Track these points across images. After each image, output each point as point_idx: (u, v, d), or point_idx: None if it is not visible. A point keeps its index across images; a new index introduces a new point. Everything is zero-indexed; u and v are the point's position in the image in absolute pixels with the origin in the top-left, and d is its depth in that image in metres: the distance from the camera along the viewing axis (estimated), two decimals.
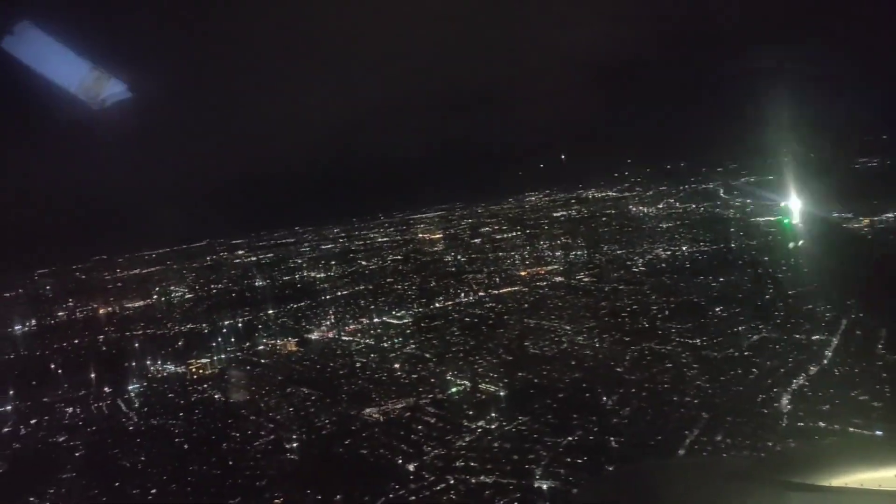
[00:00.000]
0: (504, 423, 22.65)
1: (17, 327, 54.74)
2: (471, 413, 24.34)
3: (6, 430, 32.04)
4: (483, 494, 17.74)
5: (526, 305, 43.47)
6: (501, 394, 26.01)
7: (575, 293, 44.58)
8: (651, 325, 32.44)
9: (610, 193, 76.17)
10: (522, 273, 56.44)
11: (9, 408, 36.26)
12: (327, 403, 28.66)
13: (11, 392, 38.19)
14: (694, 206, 66.41)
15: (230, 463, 23.54)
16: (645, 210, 69.90)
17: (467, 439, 21.85)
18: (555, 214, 74.99)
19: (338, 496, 19.13)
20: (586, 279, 49.08)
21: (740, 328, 29.88)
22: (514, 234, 70.28)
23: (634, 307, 37.05)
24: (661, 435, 19.82)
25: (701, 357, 26.58)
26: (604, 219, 68.63)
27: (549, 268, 56.15)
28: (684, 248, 54.53)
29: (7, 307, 57.68)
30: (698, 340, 28.59)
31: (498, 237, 70.94)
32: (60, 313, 58.92)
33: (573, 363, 28.43)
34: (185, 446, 26.13)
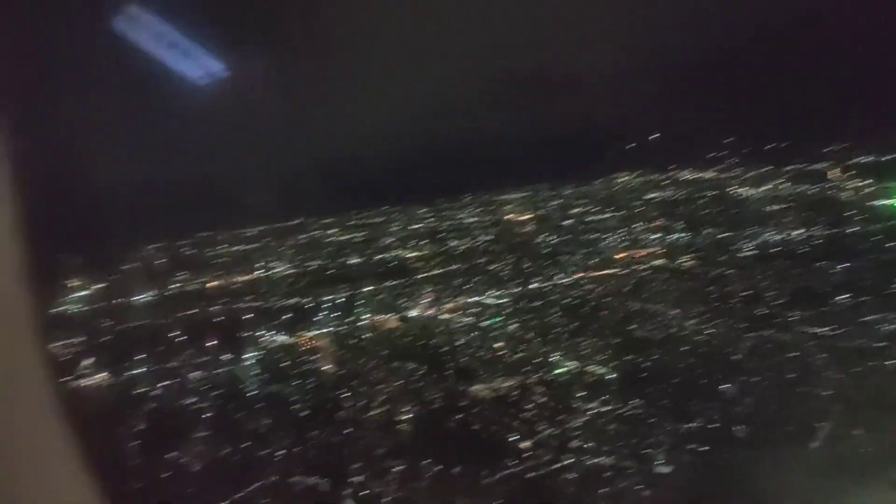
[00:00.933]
0: (618, 407, 22.38)
1: (136, 298, 58.50)
2: (581, 395, 24.18)
3: (140, 391, 34.81)
4: (602, 476, 17.66)
5: (627, 288, 42.49)
6: (611, 377, 25.66)
7: (679, 277, 43.04)
8: (768, 312, 30.91)
9: (707, 175, 72.49)
10: (619, 255, 54.93)
11: (140, 371, 39.43)
12: (434, 379, 29.32)
13: (140, 357, 41.51)
14: (803, 187, 62.09)
15: (346, 431, 24.59)
16: (748, 192, 66.06)
17: (581, 420, 21.76)
18: (647, 196, 72.27)
19: (455, 469, 19.60)
20: (689, 262, 47.18)
21: (869, 317, 27.91)
22: (606, 215, 68.29)
23: (747, 293, 35.40)
24: (792, 425, 18.94)
25: (828, 347, 25.08)
26: (702, 201, 65.30)
27: (647, 251, 54.35)
28: (796, 233, 51.20)
29: (125, 280, 62.15)
30: (824, 329, 26.97)
31: (588, 219, 69.14)
32: (174, 286, 62.64)
33: (685, 348, 27.59)
34: (302, 413, 27.45)
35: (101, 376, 38.88)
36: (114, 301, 56.25)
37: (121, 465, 24.77)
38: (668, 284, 41.18)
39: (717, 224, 55.94)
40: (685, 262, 47.79)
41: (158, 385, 35.60)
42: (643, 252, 53.70)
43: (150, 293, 59.06)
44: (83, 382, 37.58)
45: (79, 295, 56.97)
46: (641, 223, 61.27)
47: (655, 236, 56.72)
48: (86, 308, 54.59)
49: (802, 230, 50.24)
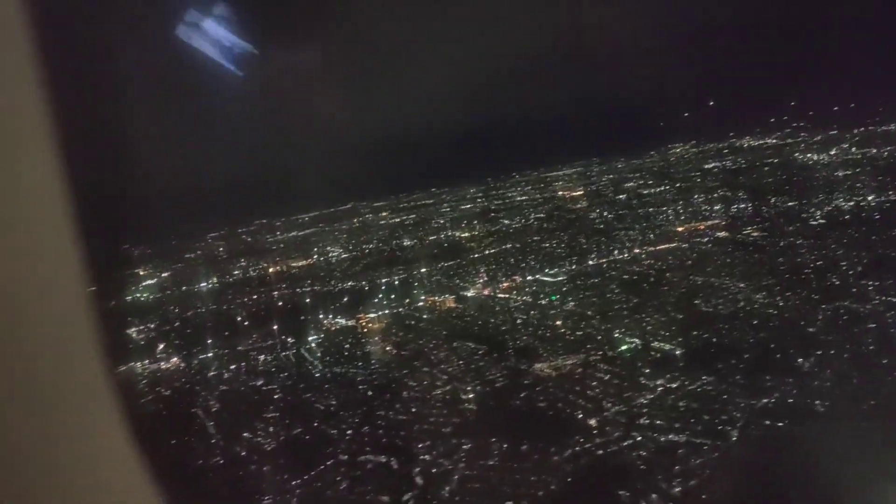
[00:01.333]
0: (687, 383, 21.92)
1: (202, 284, 60.63)
2: (647, 371, 23.81)
3: (212, 373, 36.26)
4: (676, 453, 17.39)
5: (689, 262, 41.45)
6: (678, 352, 25.13)
7: (744, 249, 41.68)
8: (843, 283, 29.57)
9: (769, 141, 69.38)
10: (679, 228, 53.54)
11: (210, 355, 41.05)
12: (495, 358, 29.39)
13: (209, 341, 43.18)
14: (875, 150, 58.81)
15: (413, 410, 24.98)
16: (814, 157, 62.98)
17: (649, 397, 21.45)
18: (706, 166, 69.85)
19: (523, 446, 19.68)
20: (755, 234, 45.55)
21: None
22: (662, 188, 66.54)
23: (819, 263, 33.94)
24: (875, 399, 18.15)
25: None
26: (766, 168, 62.77)
27: (709, 223, 52.78)
28: (870, 198, 48.67)
29: (190, 267, 64.50)
30: None
31: (644, 192, 67.52)
32: (236, 272, 64.51)
33: (755, 322, 26.73)
34: (369, 393, 28.04)
35: (174, 360, 40.76)
36: (181, 288, 58.59)
37: (195, 448, 25.95)
38: (733, 257, 39.90)
39: (782, 192, 53.69)
40: (750, 233, 46.13)
41: (230, 367, 37.07)
42: (704, 224, 52.19)
43: (214, 280, 61.17)
44: (160, 365, 39.48)
45: (148, 283, 59.54)
46: (701, 195, 59.48)
47: (717, 207, 54.98)
48: (155, 296, 57.06)
49: (875, 195, 47.69)
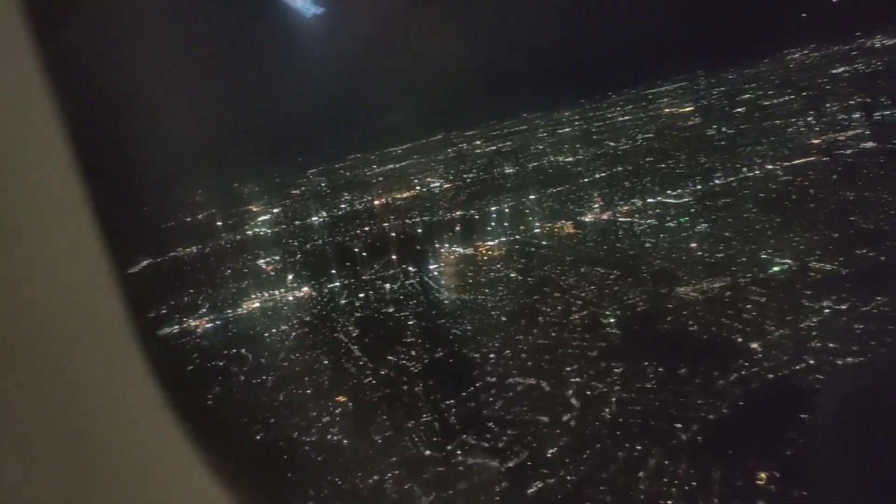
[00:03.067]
0: (858, 303, 20.33)
1: (313, 218, 62.88)
2: (808, 293, 22.30)
3: (344, 301, 37.87)
4: (858, 375, 16.28)
5: (834, 177, 38.03)
6: (843, 272, 23.28)
7: None
8: None
9: None
10: (815, 140, 49.05)
11: (337, 284, 42.84)
12: (630, 282, 28.61)
13: (334, 271, 44.99)
14: None
15: (553, 334, 24.95)
16: None
17: (815, 320, 20.12)
18: (834, 72, 62.84)
19: (680, 370, 19.18)
20: None
21: None
22: (786, 98, 60.86)
23: None
24: None
25: None
26: None
27: (850, 133, 47.89)
28: None
29: (298, 202, 66.91)
30: None
31: (766, 104, 62.07)
32: (343, 205, 66.15)
33: None
34: (503, 319, 28.26)
35: (306, 290, 42.94)
36: (295, 223, 61.19)
37: (346, 369, 27.37)
38: (886, 169, 36.15)
39: None
40: None
41: (358, 296, 38.61)
42: (845, 135, 47.44)
43: (324, 214, 63.28)
44: (295, 294, 41.79)
45: (263, 219, 62.63)
46: (834, 103, 53.90)
47: (856, 116, 49.73)
48: (273, 230, 60.00)
49: None
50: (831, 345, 18.32)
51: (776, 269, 25.38)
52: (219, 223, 59.82)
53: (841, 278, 22.78)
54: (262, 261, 51.21)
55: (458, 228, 50.28)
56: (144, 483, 2.20)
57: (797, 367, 17.76)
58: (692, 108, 66.75)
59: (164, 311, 40.48)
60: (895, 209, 28.81)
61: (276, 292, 42.71)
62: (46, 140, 2.53)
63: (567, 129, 74.23)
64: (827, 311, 20.47)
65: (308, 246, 54.87)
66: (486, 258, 40.66)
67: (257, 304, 41.04)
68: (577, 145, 65.81)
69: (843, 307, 20.33)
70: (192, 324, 38.84)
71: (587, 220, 44.14)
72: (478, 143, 76.91)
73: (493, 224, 49.66)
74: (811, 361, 17.80)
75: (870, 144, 43.22)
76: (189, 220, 59.19)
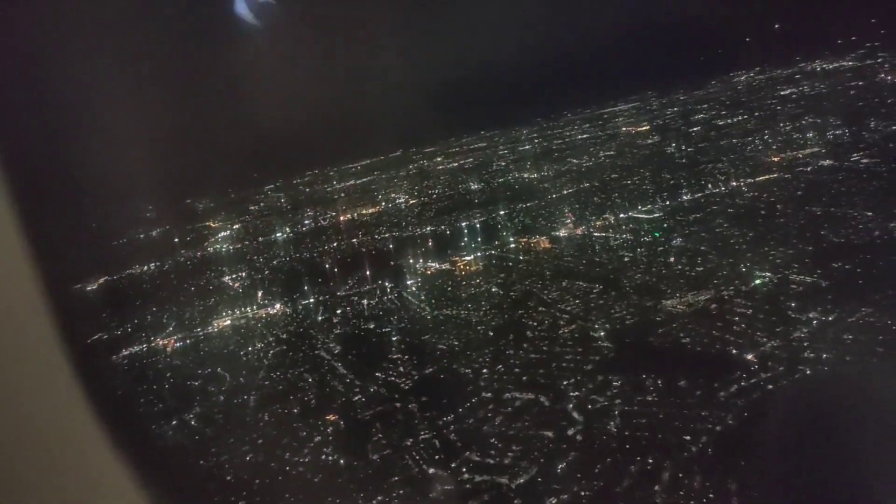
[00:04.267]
0: (843, 314, 20.97)
1: (277, 235, 61.62)
2: (793, 304, 22.91)
3: (321, 318, 37.06)
4: (859, 380, 16.65)
5: (799, 193, 39.51)
6: (823, 284, 24.04)
7: (859, 177, 39.32)
8: None
9: (845, 63, 64.46)
10: (774, 158, 51.00)
11: (311, 301, 41.90)
12: (614, 296, 28.87)
13: (306, 288, 44.05)
14: None
15: (544, 348, 24.90)
16: None
17: (805, 331, 20.65)
18: (782, 93, 65.79)
19: (681, 382, 19.34)
20: (865, 160, 42.88)
21: None
22: (739, 118, 63.32)
23: None
24: None
25: None
26: (852, 92, 58.78)
27: (807, 151, 50.01)
28: None
29: (258, 218, 65.56)
30: None
31: (720, 123, 64.41)
32: (307, 222, 64.99)
33: None
34: (490, 333, 28.06)
35: (279, 307, 41.88)
36: (258, 239, 59.85)
37: (331, 386, 26.65)
38: (847, 186, 37.75)
39: (880, 116, 50.27)
40: (859, 160, 43.45)
41: (336, 312, 37.82)
42: (802, 153, 49.51)
43: (287, 230, 62.10)
44: (268, 311, 40.67)
45: (223, 235, 61.11)
46: (787, 122, 56.32)
47: (810, 135, 52.06)
48: (234, 246, 58.53)
49: None
50: (825, 355, 18.78)
51: (758, 281, 26.02)
52: (176, 240, 58.10)
53: (823, 290, 23.48)
54: (227, 278, 49.82)
55: (430, 244, 50.10)
56: None
57: (795, 378, 18.11)
58: (648, 128, 68.80)
59: (129, 330, 38.83)
60: (862, 224, 29.95)
61: (248, 310, 41.54)
62: None
63: (528, 147, 75.13)
64: (815, 322, 21.03)
65: (275, 262, 53.66)
66: (463, 273, 40.53)
67: (228, 322, 39.80)
68: (540, 162, 66.75)
69: (831, 318, 20.94)
70: (161, 343, 37.32)
71: (561, 234, 44.62)
72: (438, 159, 76.98)
73: (465, 239, 49.64)
74: (808, 371, 18.19)
75: (828, 162, 45.18)
76: (142, 236, 57.30)
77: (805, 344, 19.77)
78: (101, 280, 48.69)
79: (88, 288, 48.53)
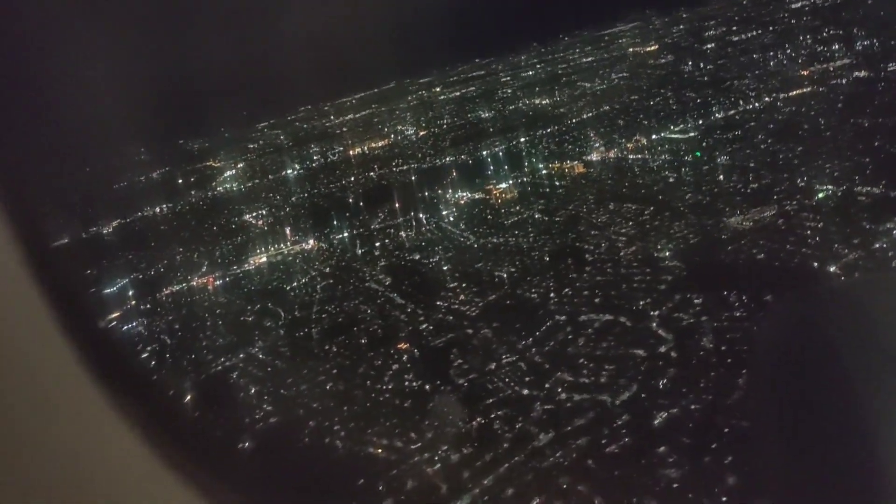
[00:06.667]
0: None
1: (287, 172, 60.30)
2: (866, 215, 22.61)
3: (361, 251, 36.71)
4: None
5: (839, 105, 38.52)
6: (892, 194, 23.66)
7: None
8: None
9: None
10: (803, 72, 49.59)
11: (345, 235, 41.35)
12: (669, 217, 28.49)
13: (335, 223, 43.39)
14: None
15: (609, 270, 24.71)
16: None
17: (885, 241, 20.44)
18: (793, 6, 63.56)
19: (766, 297, 19.20)
20: None
21: None
22: (753, 33, 61.24)
23: None
24: None
25: None
26: (870, 1, 56.93)
27: (837, 63, 48.52)
28: None
29: (261, 156, 64.06)
30: None
31: (734, 39, 62.33)
32: (315, 157, 63.39)
33: None
34: (546, 259, 27.80)
35: (312, 242, 41.45)
36: (268, 177, 58.72)
37: (391, 315, 26.58)
38: (892, 95, 36.81)
39: None
40: None
41: (375, 245, 37.45)
42: (833, 65, 48.09)
43: (297, 166, 60.77)
44: (301, 247, 40.26)
45: (228, 174, 59.91)
46: (806, 36, 54.52)
47: (836, 47, 50.42)
48: (245, 185, 57.42)
49: None
50: None
51: (821, 195, 25.62)
52: (180, 181, 57.00)
53: (892, 200, 23.12)
54: (248, 216, 49.14)
55: (454, 174, 49.05)
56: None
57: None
58: (657, 47, 66.41)
59: (162, 270, 38.50)
60: None
61: (281, 246, 41.08)
62: None
63: (530, 73, 72.61)
64: (894, 231, 20.78)
65: (294, 199, 52.81)
66: (500, 201, 39.89)
67: (264, 259, 39.41)
68: (549, 87, 64.77)
69: None
70: (199, 282, 37.06)
71: (594, 158, 43.77)
72: (437, 89, 74.32)
73: (492, 168, 48.71)
74: None
75: (863, 73, 43.95)
76: (143, 179, 56.10)
77: (890, 254, 19.59)
78: (115, 223, 48.06)
79: (105, 231, 48.06)
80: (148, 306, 32.97)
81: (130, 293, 33.92)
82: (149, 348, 26.65)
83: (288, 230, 44.03)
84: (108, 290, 33.80)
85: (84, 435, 1.68)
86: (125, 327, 29.25)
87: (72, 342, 1.73)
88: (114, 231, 47.81)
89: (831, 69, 46.96)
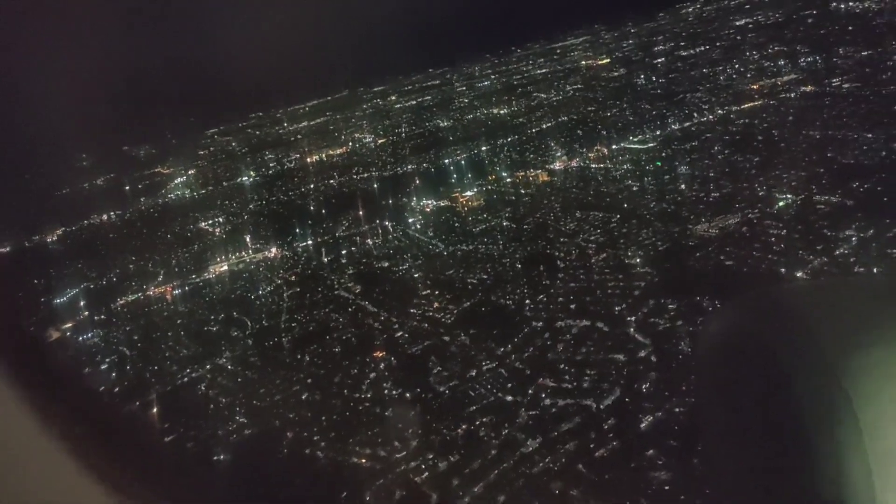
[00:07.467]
0: (880, 230, 21.73)
1: (242, 179, 59.09)
2: (826, 223, 23.57)
3: (328, 259, 36.04)
4: None
5: (790, 118, 40.23)
6: (848, 203, 24.77)
7: (845, 101, 40.26)
8: None
9: None
10: (752, 86, 51.69)
11: (309, 243, 40.56)
12: (637, 224, 29.06)
13: (298, 230, 42.55)
14: None
15: (582, 276, 24.99)
16: (858, 4, 59.78)
17: (847, 247, 21.34)
18: (737, 23, 66.76)
19: (713, 302, 19.71)
20: (846, 85, 43.90)
21: None
22: (702, 49, 63.87)
23: None
24: None
25: None
26: (809, 21, 60.24)
27: (784, 78, 50.75)
28: None
29: (213, 163, 62.64)
30: None
31: (683, 54, 64.75)
32: (271, 164, 62.27)
33: None
34: (518, 266, 27.93)
35: (275, 251, 40.51)
36: (222, 184, 57.42)
37: (362, 323, 26.15)
38: (837, 109, 38.69)
39: (846, 43, 51.37)
40: (840, 84, 44.46)
41: (341, 253, 36.81)
42: (780, 80, 50.25)
43: (252, 174, 59.61)
44: (265, 255, 39.28)
45: (179, 181, 58.35)
46: (752, 52, 57.04)
47: (781, 63, 52.83)
48: (197, 193, 55.97)
49: None
50: (876, 269, 19.48)
51: (781, 203, 26.58)
52: (127, 188, 55.21)
53: (849, 209, 24.18)
54: (204, 224, 47.78)
55: (417, 181, 48.86)
56: None
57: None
58: (609, 60, 68.23)
59: (115, 280, 36.93)
60: (867, 145, 30.78)
61: (242, 254, 40.03)
62: None
63: (486, 83, 73.56)
64: (854, 238, 21.71)
65: (251, 206, 51.66)
66: (466, 209, 39.93)
67: (225, 268, 38.29)
68: (505, 98, 65.63)
69: (868, 234, 21.64)
70: (156, 291, 35.69)
71: (557, 167, 44.36)
72: (392, 98, 74.38)
73: (455, 176, 48.81)
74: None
75: (809, 88, 46.07)
76: (86, 186, 54.12)
77: (852, 260, 20.45)
78: (59, 231, 45.99)
79: (49, 239, 45.79)
80: (103, 317, 31.49)
81: (82, 303, 32.37)
82: (107, 360, 25.41)
83: (248, 238, 42.95)
84: (59, 300, 32.20)
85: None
86: (80, 338, 27.87)
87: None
88: (59, 239, 45.71)
89: (779, 84, 49.10)
